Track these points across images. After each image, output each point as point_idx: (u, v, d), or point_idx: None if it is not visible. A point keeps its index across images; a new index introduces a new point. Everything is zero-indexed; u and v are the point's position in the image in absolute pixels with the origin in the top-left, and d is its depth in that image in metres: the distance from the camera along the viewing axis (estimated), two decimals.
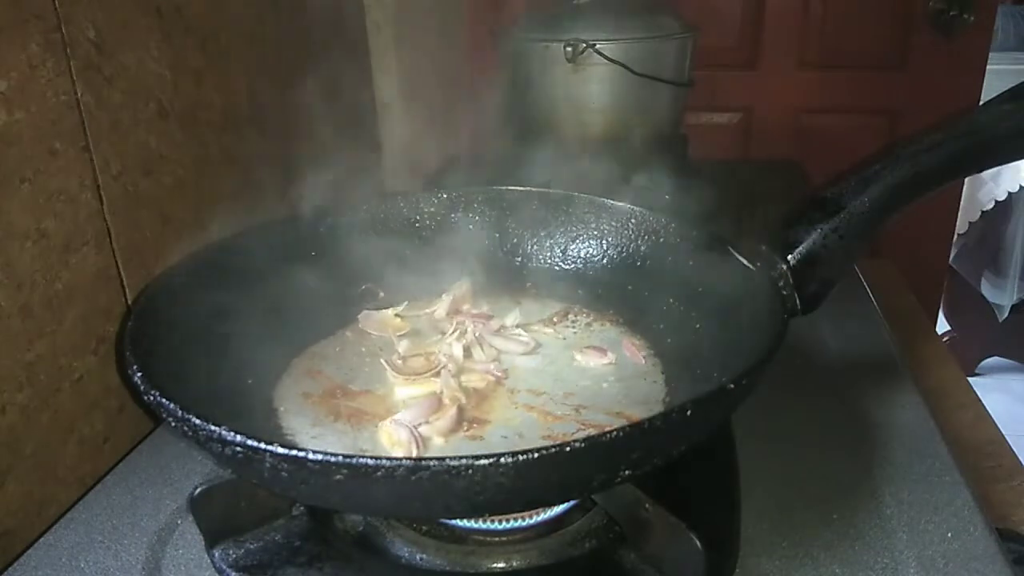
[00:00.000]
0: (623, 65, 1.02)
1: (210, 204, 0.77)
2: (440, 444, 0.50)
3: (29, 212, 0.56)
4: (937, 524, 0.52)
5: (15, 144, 0.55)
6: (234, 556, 0.48)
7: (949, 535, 0.51)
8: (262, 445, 0.37)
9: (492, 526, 0.49)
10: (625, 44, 1.02)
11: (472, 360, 0.59)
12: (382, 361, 0.58)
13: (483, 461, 0.35)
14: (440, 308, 0.65)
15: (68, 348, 0.60)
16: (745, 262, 0.55)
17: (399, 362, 0.58)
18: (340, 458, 0.36)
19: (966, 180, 1.91)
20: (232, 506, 0.48)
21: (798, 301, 0.53)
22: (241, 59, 0.84)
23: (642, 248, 0.66)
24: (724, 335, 0.54)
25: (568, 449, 0.36)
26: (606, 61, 1.02)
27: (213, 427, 0.38)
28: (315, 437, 0.51)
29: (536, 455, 0.35)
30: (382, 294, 0.68)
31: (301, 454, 0.36)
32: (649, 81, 1.04)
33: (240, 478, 0.47)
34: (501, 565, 0.48)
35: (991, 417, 1.06)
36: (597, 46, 1.01)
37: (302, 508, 0.50)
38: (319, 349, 0.61)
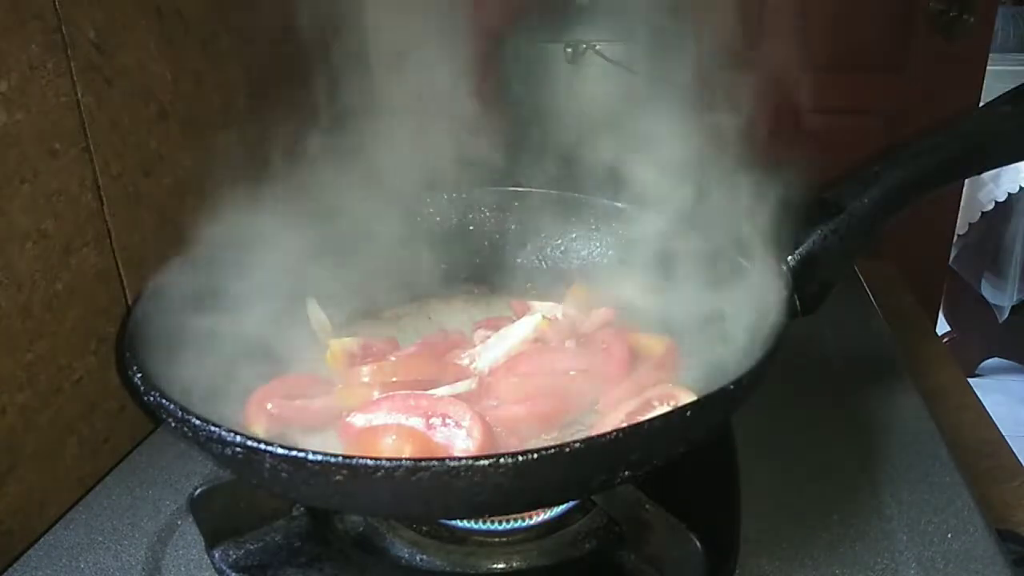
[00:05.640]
0: (623, 66, 1.02)
1: (210, 204, 0.77)
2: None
3: (29, 213, 0.56)
4: (937, 524, 0.52)
5: (15, 145, 0.55)
6: (234, 556, 0.48)
7: (949, 536, 0.51)
8: (262, 446, 0.37)
9: (492, 527, 0.49)
10: (625, 45, 1.02)
11: None
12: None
13: (483, 461, 0.35)
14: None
15: (68, 348, 0.60)
16: (745, 263, 0.55)
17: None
18: (340, 458, 0.36)
19: (966, 181, 1.91)
20: (232, 507, 0.48)
21: (798, 302, 0.53)
22: (241, 59, 0.84)
23: (642, 249, 0.66)
24: (724, 336, 0.54)
25: (568, 450, 0.36)
26: (606, 62, 1.02)
27: (213, 428, 0.38)
28: (315, 438, 0.51)
29: (536, 455, 0.35)
30: (382, 296, 0.68)
31: (301, 454, 0.36)
32: (649, 82, 1.04)
33: (240, 479, 0.47)
34: (501, 566, 0.48)
35: (991, 418, 1.06)
36: (597, 47, 1.01)
37: (302, 509, 0.50)
38: (319, 350, 0.61)
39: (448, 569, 0.48)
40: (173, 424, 0.40)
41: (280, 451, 0.36)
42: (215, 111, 0.79)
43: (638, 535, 0.46)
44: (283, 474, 0.37)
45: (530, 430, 0.51)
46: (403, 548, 0.49)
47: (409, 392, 0.49)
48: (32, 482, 0.58)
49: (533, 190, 0.71)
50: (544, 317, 0.58)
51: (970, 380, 1.16)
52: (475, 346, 0.59)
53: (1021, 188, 2.08)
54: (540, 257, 0.70)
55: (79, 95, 0.61)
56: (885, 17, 1.59)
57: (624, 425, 0.42)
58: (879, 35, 1.61)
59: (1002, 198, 2.10)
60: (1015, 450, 0.99)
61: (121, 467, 0.62)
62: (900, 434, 0.62)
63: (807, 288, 0.53)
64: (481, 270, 0.70)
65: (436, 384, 0.52)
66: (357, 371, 0.53)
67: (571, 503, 0.50)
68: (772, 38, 1.65)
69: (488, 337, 0.59)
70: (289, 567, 0.47)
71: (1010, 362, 2.43)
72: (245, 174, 0.84)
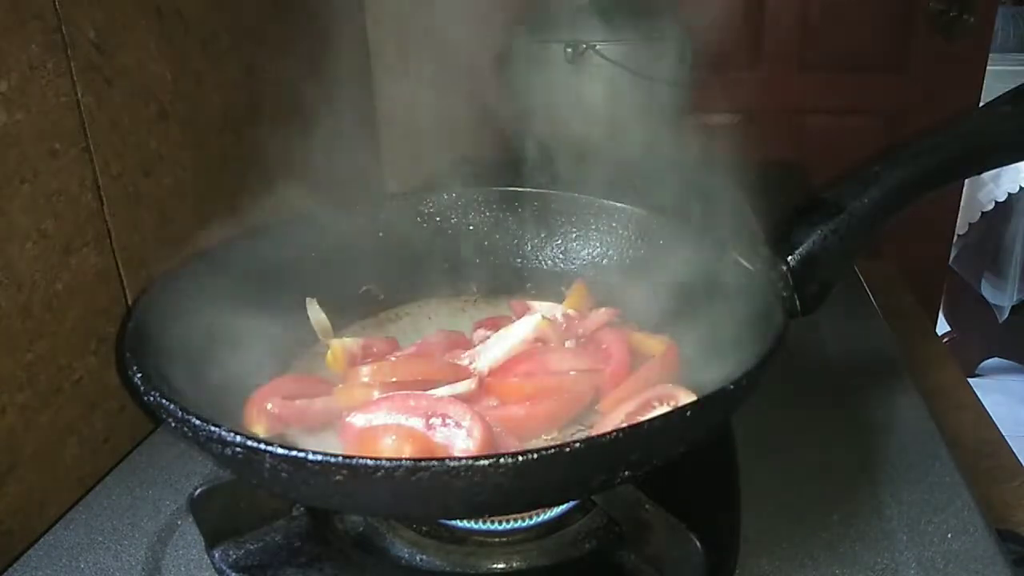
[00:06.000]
0: (623, 66, 1.02)
1: (210, 205, 0.78)
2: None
3: (29, 213, 0.56)
4: (937, 525, 0.52)
5: (15, 145, 0.55)
6: (234, 557, 0.48)
7: (949, 536, 0.51)
8: (262, 446, 0.37)
9: (492, 527, 0.49)
10: (625, 45, 1.02)
11: None
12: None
13: (483, 462, 0.35)
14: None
15: (68, 348, 0.60)
16: (745, 263, 0.55)
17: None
18: (340, 458, 0.36)
19: (966, 181, 1.91)
20: (232, 507, 0.48)
21: (798, 302, 0.53)
22: (241, 60, 0.84)
23: (642, 249, 0.66)
24: (724, 336, 0.54)
25: (567, 450, 0.36)
26: (606, 62, 1.02)
27: (213, 428, 0.38)
28: (315, 438, 0.51)
29: (535, 455, 0.35)
30: (382, 296, 0.68)
31: (301, 454, 0.36)
32: (649, 82, 1.04)
33: (240, 479, 0.47)
34: (501, 566, 0.48)
35: (991, 418, 1.06)
36: (597, 47, 1.01)
37: (302, 509, 0.50)
38: (319, 350, 0.61)
39: (448, 569, 0.48)
40: (173, 424, 0.40)
41: (280, 451, 0.36)
42: (215, 111, 0.79)
43: (638, 535, 0.46)
44: (283, 474, 0.37)
45: (530, 430, 0.51)
46: (403, 548, 0.49)
47: (409, 392, 0.49)
48: (32, 482, 0.58)
49: (533, 190, 0.71)
50: (544, 317, 0.58)
51: (970, 380, 1.16)
52: (475, 346, 0.59)
53: (1021, 188, 2.08)
54: (540, 257, 0.70)
55: (79, 95, 0.61)
56: (885, 17, 1.59)
57: (624, 425, 0.42)
58: (879, 35, 1.61)
59: (1002, 198, 2.10)
60: (1015, 450, 0.99)
61: (121, 467, 0.62)
62: (900, 434, 0.62)
63: (807, 288, 0.53)
64: (481, 270, 0.70)
65: (436, 384, 0.52)
66: (357, 371, 0.53)
67: (571, 503, 0.50)
68: (772, 38, 1.65)
69: (488, 337, 0.59)
70: (289, 567, 0.47)
71: (1010, 362, 2.43)
72: (245, 173, 0.84)
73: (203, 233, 0.75)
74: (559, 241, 0.70)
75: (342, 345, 0.58)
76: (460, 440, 0.45)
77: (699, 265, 0.59)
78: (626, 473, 0.40)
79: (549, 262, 0.70)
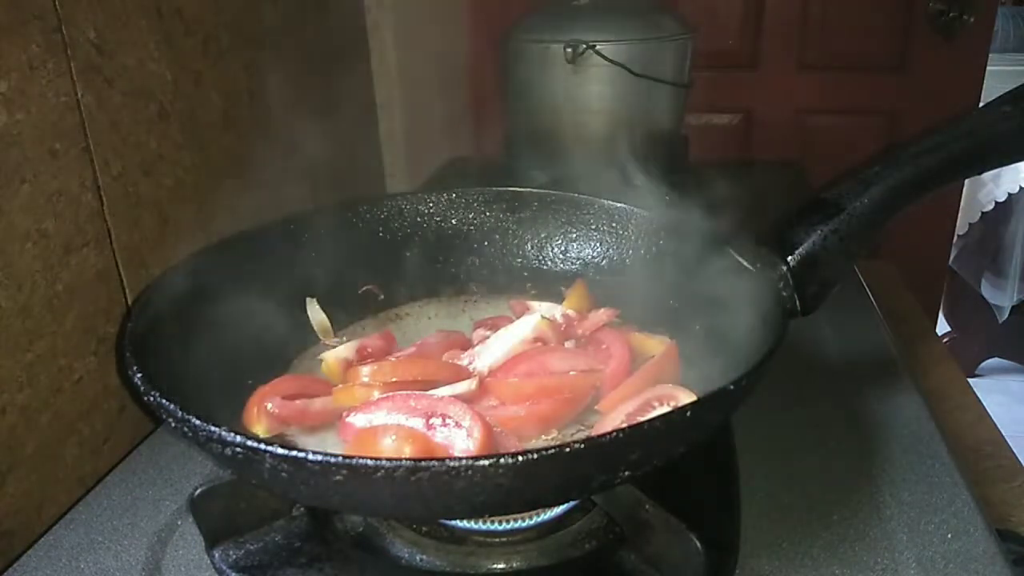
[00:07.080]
0: (623, 66, 1.02)
1: (210, 204, 0.78)
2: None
3: (30, 213, 0.56)
4: (937, 525, 0.52)
5: (15, 145, 0.55)
6: (234, 557, 0.48)
7: (949, 536, 0.51)
8: (262, 446, 0.37)
9: (492, 527, 0.49)
10: (625, 45, 1.02)
11: None
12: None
13: (483, 462, 0.35)
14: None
15: (68, 349, 0.60)
16: (745, 263, 0.55)
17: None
18: (340, 458, 0.36)
19: (966, 181, 1.92)
20: (232, 507, 0.48)
21: (798, 302, 0.53)
22: (241, 59, 0.84)
23: (641, 249, 0.66)
24: (724, 336, 0.54)
25: (568, 450, 0.36)
26: (606, 62, 1.02)
27: (213, 428, 0.38)
28: (315, 438, 0.51)
29: (536, 456, 0.35)
30: (382, 296, 0.68)
31: (301, 455, 0.36)
32: (649, 82, 1.04)
33: (240, 479, 0.47)
34: (501, 566, 0.48)
35: (991, 418, 1.06)
36: (597, 47, 1.01)
37: (302, 509, 0.50)
38: (319, 350, 0.62)
39: (448, 569, 0.48)
40: (173, 424, 0.40)
41: (280, 451, 0.36)
42: (215, 111, 0.79)
43: (638, 535, 0.46)
44: (283, 474, 0.37)
45: (530, 430, 0.51)
46: (403, 548, 0.49)
47: (409, 392, 0.49)
48: (32, 482, 0.58)
49: (532, 190, 0.71)
50: (543, 317, 0.59)
51: (970, 380, 1.16)
52: (475, 346, 0.59)
53: (1021, 188, 2.08)
54: (540, 257, 0.71)
55: (79, 95, 0.61)
56: (885, 17, 1.59)
57: (624, 425, 0.42)
58: (879, 35, 1.61)
59: (1002, 198, 2.10)
60: (1015, 450, 0.99)
61: (121, 467, 0.62)
62: (900, 434, 0.62)
63: (807, 288, 0.53)
64: (481, 270, 0.70)
65: (436, 384, 0.52)
66: (357, 371, 0.53)
67: (571, 503, 0.50)
68: (772, 38, 1.65)
69: (487, 337, 0.59)
70: (289, 567, 0.47)
71: (1010, 362, 2.44)
72: (245, 173, 0.84)
73: (203, 233, 0.75)
74: (559, 241, 0.70)
75: (335, 357, 0.57)
76: (460, 440, 0.45)
77: (699, 265, 0.59)
78: (626, 473, 0.40)
79: (549, 262, 0.70)
